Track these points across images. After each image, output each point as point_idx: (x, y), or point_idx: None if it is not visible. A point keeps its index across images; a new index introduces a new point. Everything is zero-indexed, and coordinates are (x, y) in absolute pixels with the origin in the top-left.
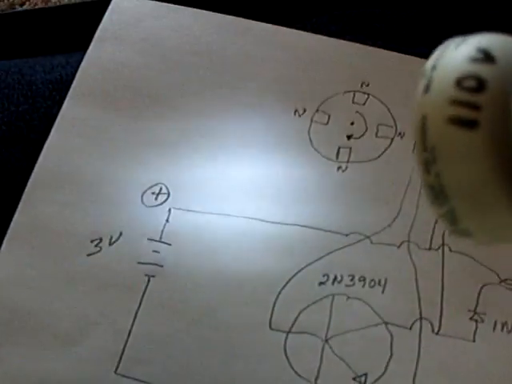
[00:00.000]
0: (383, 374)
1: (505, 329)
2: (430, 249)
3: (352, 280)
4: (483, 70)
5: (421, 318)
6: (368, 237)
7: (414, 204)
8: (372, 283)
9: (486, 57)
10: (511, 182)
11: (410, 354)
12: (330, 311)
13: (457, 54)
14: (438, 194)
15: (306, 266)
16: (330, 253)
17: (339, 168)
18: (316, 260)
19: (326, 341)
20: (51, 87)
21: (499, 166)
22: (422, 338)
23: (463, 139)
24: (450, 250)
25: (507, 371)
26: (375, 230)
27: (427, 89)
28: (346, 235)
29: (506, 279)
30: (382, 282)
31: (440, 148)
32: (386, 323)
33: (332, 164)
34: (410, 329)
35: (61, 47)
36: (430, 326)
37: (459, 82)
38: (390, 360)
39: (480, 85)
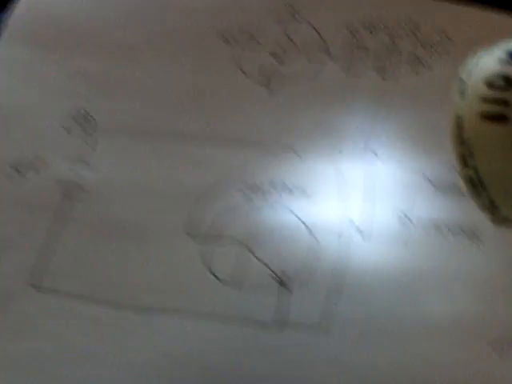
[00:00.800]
0: (307, 276)
1: (437, 229)
2: (360, 158)
3: (275, 188)
4: (511, 70)
5: (348, 223)
6: (294, 148)
7: (343, 119)
8: (297, 192)
9: None
10: None
11: (336, 259)
12: (251, 218)
13: (488, 58)
14: (476, 185)
15: (228, 175)
16: (254, 164)
17: (269, 92)
18: (239, 170)
19: (246, 245)
20: None
21: None
22: (350, 242)
23: (494, 132)
24: (379, 157)
25: (440, 272)
26: (302, 143)
27: (462, 93)
28: (272, 147)
29: (437, 182)
30: (307, 190)
31: (475, 141)
32: (311, 230)
33: (259, 85)
34: (337, 233)
35: None
36: (357, 230)
37: (489, 82)
38: (314, 263)
39: (508, 83)
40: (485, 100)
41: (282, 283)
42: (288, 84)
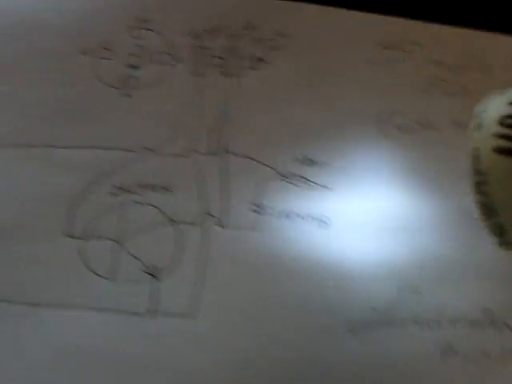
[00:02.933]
0: (174, 266)
1: (287, 217)
2: (214, 155)
3: (142, 188)
4: None
5: (208, 215)
6: (154, 150)
7: (196, 118)
8: (161, 189)
9: None
10: None
11: (198, 246)
12: (122, 217)
13: (500, 99)
14: (488, 210)
15: (100, 180)
16: (121, 167)
17: (125, 95)
18: (108, 175)
19: (119, 242)
20: None
21: None
22: (210, 232)
23: (507, 164)
24: (232, 154)
25: (293, 254)
26: (162, 145)
27: (479, 127)
28: (135, 151)
29: (286, 174)
30: (171, 188)
31: (489, 171)
32: (175, 222)
33: (118, 92)
34: (198, 225)
35: None
36: (216, 220)
37: (501, 121)
38: (180, 253)
39: None
40: (498, 136)
41: (152, 274)
42: (143, 88)
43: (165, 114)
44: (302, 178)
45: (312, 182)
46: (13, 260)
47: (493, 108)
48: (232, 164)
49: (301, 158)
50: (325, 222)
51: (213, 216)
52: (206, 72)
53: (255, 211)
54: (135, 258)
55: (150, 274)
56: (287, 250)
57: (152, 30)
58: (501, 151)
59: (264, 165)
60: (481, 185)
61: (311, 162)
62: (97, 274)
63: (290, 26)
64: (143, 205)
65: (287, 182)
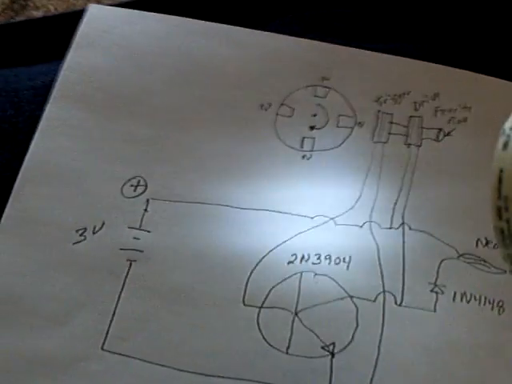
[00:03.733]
0: (350, 342)
1: (464, 299)
2: (390, 228)
3: (318, 258)
4: None
5: (384, 291)
6: (332, 218)
7: (375, 188)
8: (337, 261)
9: None
10: None
11: (374, 324)
12: (299, 287)
13: None
14: (506, 237)
15: (276, 246)
16: (298, 234)
17: (304, 156)
18: (285, 241)
19: (296, 314)
20: (34, 93)
21: None
22: (386, 310)
23: None
24: (410, 229)
25: (467, 339)
26: (339, 213)
27: (505, 146)
28: (312, 218)
29: (464, 254)
30: (347, 260)
31: None
32: (352, 296)
33: (297, 153)
34: (374, 301)
35: (42, 57)
36: (393, 298)
37: None
38: (355, 330)
39: None
40: None
41: (330, 352)
42: (321, 150)
43: (343, 180)
44: (481, 259)
45: (490, 264)
46: (187, 326)
47: None
48: (410, 239)
49: (480, 239)
50: (501, 307)
51: (390, 293)
52: (387, 139)
53: (432, 291)
54: (313, 332)
55: (328, 351)
56: (463, 335)
57: (334, 90)
58: None
59: (443, 243)
60: (501, 210)
61: (490, 244)
62: (274, 347)
63: (472, 98)
64: (320, 275)
65: (466, 262)
